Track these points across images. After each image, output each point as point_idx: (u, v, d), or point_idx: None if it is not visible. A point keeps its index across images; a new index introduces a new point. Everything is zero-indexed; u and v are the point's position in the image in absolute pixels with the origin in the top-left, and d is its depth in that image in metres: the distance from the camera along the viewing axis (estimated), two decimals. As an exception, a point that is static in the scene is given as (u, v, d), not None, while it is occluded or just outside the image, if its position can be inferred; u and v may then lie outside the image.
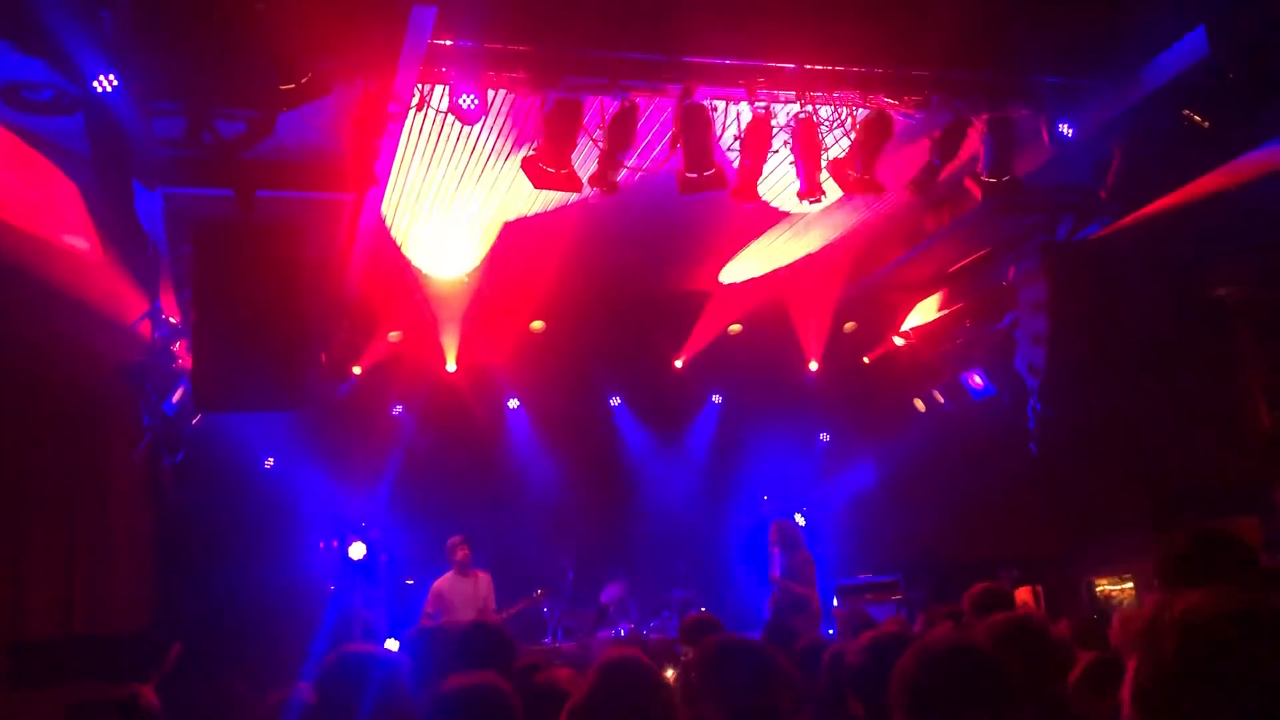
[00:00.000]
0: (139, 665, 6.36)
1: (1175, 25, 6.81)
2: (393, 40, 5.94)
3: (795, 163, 7.35)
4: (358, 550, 11.28)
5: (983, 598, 5.40)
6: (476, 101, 6.39)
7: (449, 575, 10.01)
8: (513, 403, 12.65)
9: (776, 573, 10.24)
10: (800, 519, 12.39)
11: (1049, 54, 7.09)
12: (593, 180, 7.03)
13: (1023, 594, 10.57)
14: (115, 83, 5.80)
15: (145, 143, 6.42)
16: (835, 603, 11.60)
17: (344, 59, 6.21)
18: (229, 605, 9.84)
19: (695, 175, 7.01)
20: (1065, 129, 7.42)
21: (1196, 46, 6.71)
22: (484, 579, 10.13)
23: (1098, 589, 10.86)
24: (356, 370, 11.22)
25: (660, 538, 12.29)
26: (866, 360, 12.48)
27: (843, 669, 3.53)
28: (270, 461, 11.22)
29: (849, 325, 12.09)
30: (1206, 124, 7.13)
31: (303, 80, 5.93)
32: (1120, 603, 10.42)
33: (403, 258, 9.63)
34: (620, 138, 6.83)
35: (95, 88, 5.80)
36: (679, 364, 12.43)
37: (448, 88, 6.44)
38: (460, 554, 10.01)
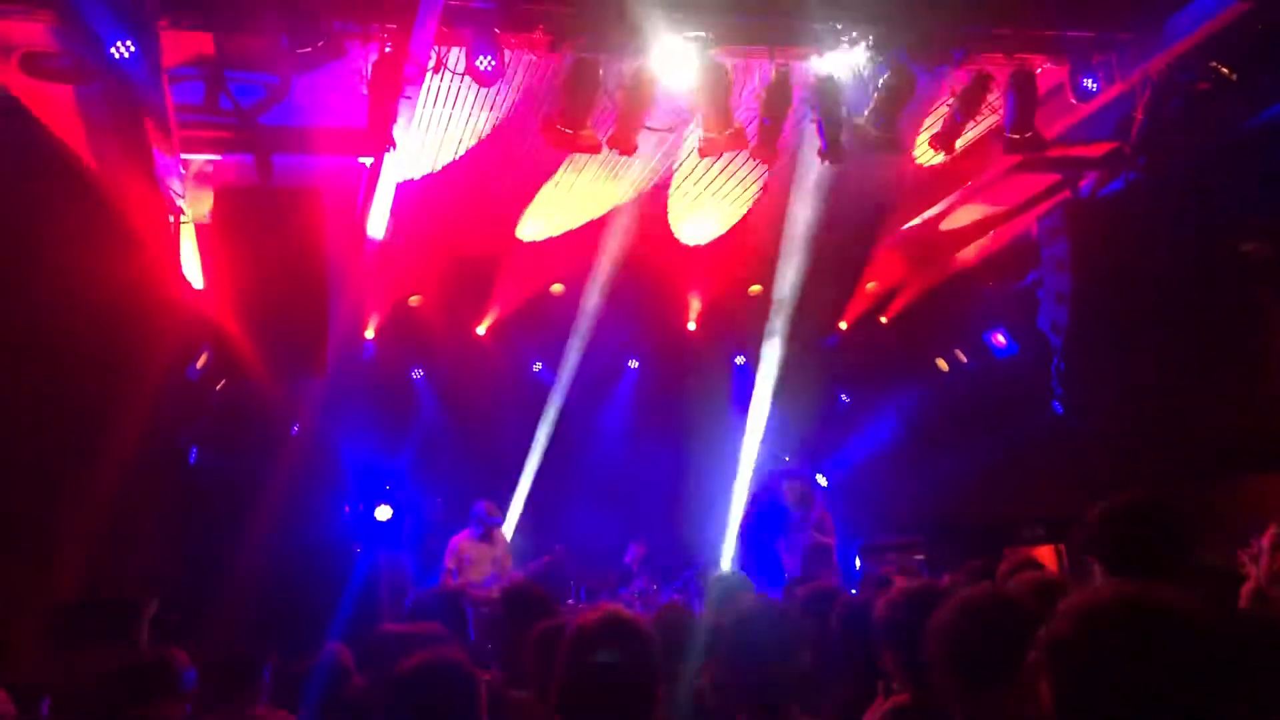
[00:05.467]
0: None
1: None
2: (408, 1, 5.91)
3: (815, 122, 7.27)
4: (383, 513, 11.37)
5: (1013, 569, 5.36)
6: (494, 63, 6.35)
7: (467, 533, 10.11)
8: (536, 366, 12.67)
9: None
10: (822, 479, 12.38)
11: (1073, 7, 6.99)
12: (611, 142, 6.98)
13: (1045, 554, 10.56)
14: (132, 49, 5.80)
15: (163, 109, 6.42)
16: (858, 563, 11.58)
17: (360, 21, 6.19)
18: (255, 568, 9.94)
19: (715, 135, 6.97)
20: (1089, 83, 7.33)
21: (1224, -1, 6.60)
22: (501, 540, 10.27)
23: (1120, 547, 10.81)
24: (369, 334, 11.30)
25: (684, 499, 12.30)
26: (884, 320, 12.43)
27: (867, 621, 3.52)
28: (296, 426, 11.28)
29: (871, 284, 12.02)
30: (1234, 77, 7.03)
31: (319, 44, 5.92)
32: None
33: (427, 223, 9.60)
34: (639, 98, 6.78)
35: (113, 54, 5.80)
36: (692, 326, 12.48)
37: (464, 49, 6.41)
38: (489, 518, 10.12)
